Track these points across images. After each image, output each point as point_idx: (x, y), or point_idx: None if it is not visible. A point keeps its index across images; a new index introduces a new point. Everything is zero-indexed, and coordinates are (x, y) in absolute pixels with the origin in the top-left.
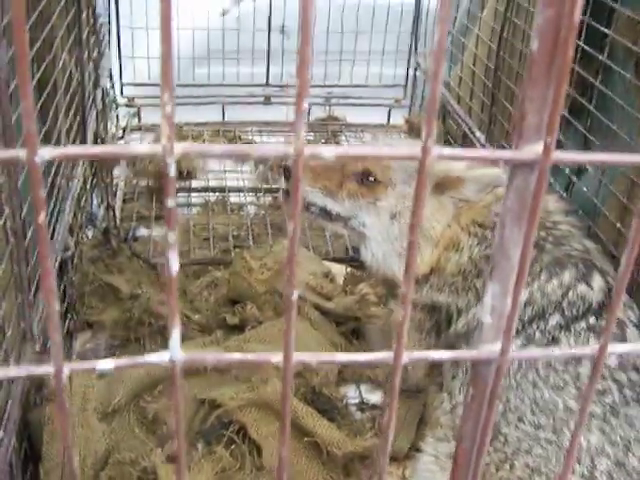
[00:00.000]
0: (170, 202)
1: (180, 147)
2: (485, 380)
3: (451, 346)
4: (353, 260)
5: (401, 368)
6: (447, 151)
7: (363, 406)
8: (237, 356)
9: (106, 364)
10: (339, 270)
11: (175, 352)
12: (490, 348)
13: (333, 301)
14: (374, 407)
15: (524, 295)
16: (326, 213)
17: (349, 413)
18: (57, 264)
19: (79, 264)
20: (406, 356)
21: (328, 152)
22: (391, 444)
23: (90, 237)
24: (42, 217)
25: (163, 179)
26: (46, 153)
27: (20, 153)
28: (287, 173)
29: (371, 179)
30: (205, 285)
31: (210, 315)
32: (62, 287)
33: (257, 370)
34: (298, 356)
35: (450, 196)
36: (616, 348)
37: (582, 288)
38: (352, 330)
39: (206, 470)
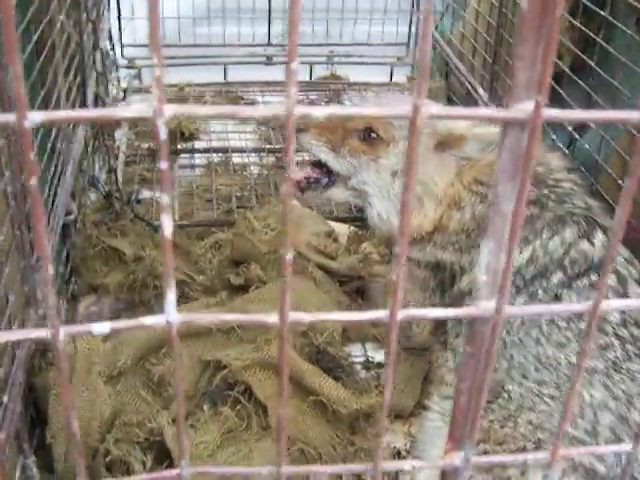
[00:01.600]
0: (163, 164)
1: (170, 109)
2: (482, 337)
3: (455, 305)
4: (356, 219)
5: (397, 325)
6: (437, 109)
7: (368, 364)
8: (232, 316)
9: (102, 327)
10: (343, 229)
11: (171, 314)
12: (486, 305)
13: (337, 260)
14: (379, 365)
15: (526, 253)
16: (327, 181)
17: (354, 372)
18: (60, 228)
19: (82, 228)
20: (401, 314)
21: (318, 112)
22: (396, 402)
23: (93, 201)
24: (33, 181)
25: (156, 142)
26: (36, 117)
27: (10, 117)
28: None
29: (373, 136)
30: (209, 246)
31: (214, 276)
32: (65, 251)
33: (262, 330)
34: (294, 315)
35: (452, 154)
36: (612, 304)
37: (584, 245)
38: (356, 289)
39: (212, 431)
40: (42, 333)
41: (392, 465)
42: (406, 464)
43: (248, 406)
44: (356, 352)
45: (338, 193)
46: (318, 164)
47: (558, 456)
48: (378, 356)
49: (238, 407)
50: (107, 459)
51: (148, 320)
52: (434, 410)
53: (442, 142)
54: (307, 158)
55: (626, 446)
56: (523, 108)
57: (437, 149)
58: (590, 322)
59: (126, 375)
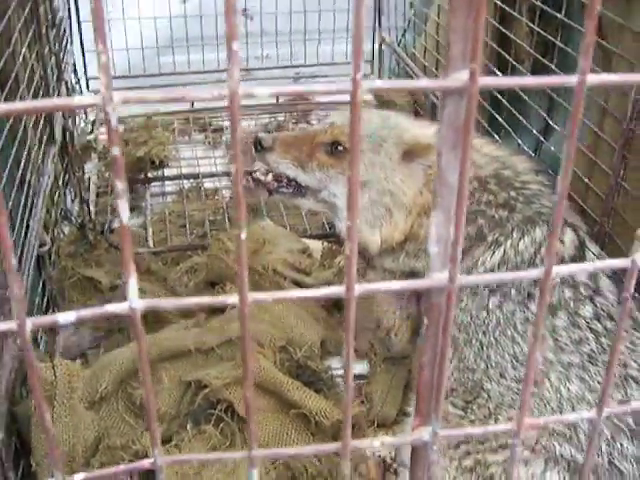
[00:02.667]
0: (115, 150)
1: (119, 95)
2: (438, 308)
3: None
4: (329, 236)
5: (354, 301)
6: (379, 83)
7: None
8: (193, 300)
9: (68, 316)
10: (316, 246)
11: (133, 300)
12: (439, 276)
13: (312, 276)
14: (359, 377)
15: (498, 255)
16: (297, 190)
17: (334, 384)
18: (34, 259)
19: (57, 260)
20: (357, 288)
21: (262, 91)
22: (378, 411)
23: (67, 233)
24: None
25: (107, 130)
26: None
27: None
28: (258, 145)
29: (340, 149)
30: (185, 271)
31: None
32: (41, 283)
33: (240, 348)
34: (253, 295)
35: (420, 163)
36: (563, 268)
37: None
38: (333, 303)
39: (197, 449)
40: (9, 325)
41: (361, 443)
42: (375, 441)
43: (231, 423)
44: (335, 365)
45: (307, 203)
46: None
47: (525, 425)
48: (358, 367)
49: (221, 425)
50: None
51: (112, 308)
52: None
53: (409, 152)
54: None
55: (589, 413)
56: (459, 77)
57: (404, 159)
58: (543, 288)
59: (108, 400)
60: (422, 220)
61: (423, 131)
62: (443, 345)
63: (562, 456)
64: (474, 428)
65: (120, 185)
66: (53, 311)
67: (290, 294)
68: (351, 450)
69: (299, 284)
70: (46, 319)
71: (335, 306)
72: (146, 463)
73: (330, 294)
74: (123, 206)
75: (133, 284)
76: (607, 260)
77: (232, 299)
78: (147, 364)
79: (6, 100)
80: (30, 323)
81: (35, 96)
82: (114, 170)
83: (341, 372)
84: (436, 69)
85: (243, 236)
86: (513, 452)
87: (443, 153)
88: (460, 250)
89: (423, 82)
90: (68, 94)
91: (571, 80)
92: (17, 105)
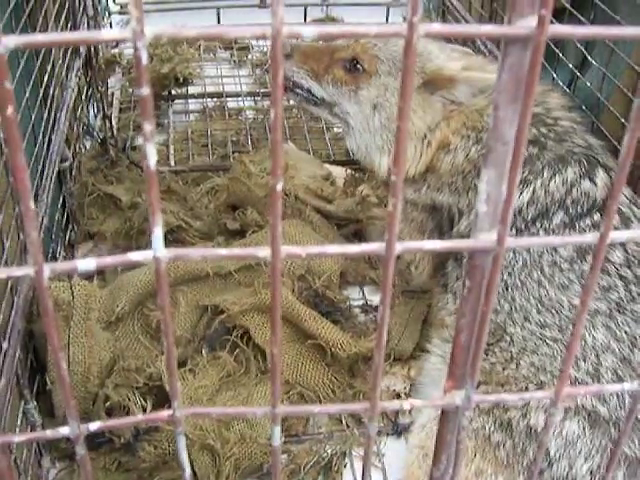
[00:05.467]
0: (145, 91)
1: (151, 31)
2: (482, 271)
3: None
4: (353, 162)
5: (393, 259)
6: (436, 27)
7: (366, 308)
8: (223, 251)
9: (88, 263)
10: (340, 172)
11: (158, 249)
12: (487, 237)
13: (334, 203)
14: (377, 309)
15: (527, 194)
16: (311, 97)
17: (353, 315)
18: (55, 174)
19: (78, 175)
20: (399, 246)
21: (308, 31)
22: (395, 345)
23: (88, 148)
24: (10, 111)
25: (137, 67)
26: (11, 41)
27: None
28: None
29: (358, 67)
30: (205, 192)
31: (211, 221)
32: (61, 198)
33: (259, 274)
34: (286, 249)
35: (440, 96)
36: (620, 234)
37: (586, 185)
38: (354, 232)
39: (211, 375)
40: (26, 270)
41: (390, 404)
42: (405, 403)
43: (247, 350)
44: (354, 295)
45: (321, 113)
46: None
47: (563, 395)
48: (376, 299)
49: (237, 351)
50: (107, 404)
51: (135, 256)
52: (435, 353)
53: (430, 82)
54: None
55: (632, 385)
56: (526, 24)
57: (424, 90)
58: (598, 254)
59: (124, 321)
60: (440, 154)
61: (449, 63)
62: (485, 310)
63: (583, 406)
64: (510, 394)
65: (149, 127)
66: (72, 228)
67: (327, 249)
68: (379, 410)
69: (321, 212)
70: (64, 265)
71: (355, 235)
72: (165, 415)
73: (369, 251)
74: (151, 150)
75: (159, 233)
76: None
77: (263, 252)
78: (169, 311)
79: (31, 11)
80: (48, 269)
81: (61, 9)
82: (142, 111)
83: (359, 303)
84: (490, 18)
85: (279, 187)
86: (550, 421)
87: (501, 106)
88: (512, 211)
89: (486, 28)
90: (95, 7)
91: None
92: (42, 37)
